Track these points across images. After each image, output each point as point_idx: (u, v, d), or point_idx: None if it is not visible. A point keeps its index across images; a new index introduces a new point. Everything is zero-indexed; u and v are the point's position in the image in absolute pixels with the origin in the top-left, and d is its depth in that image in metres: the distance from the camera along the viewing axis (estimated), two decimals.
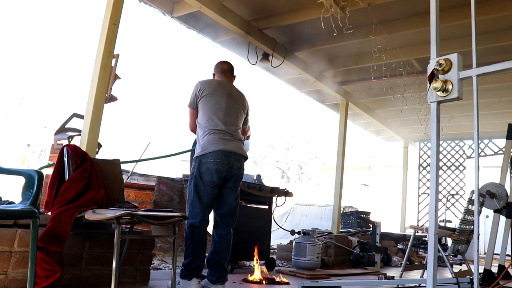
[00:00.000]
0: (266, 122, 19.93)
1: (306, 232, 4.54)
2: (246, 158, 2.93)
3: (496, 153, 7.55)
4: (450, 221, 7.04)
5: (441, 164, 8.25)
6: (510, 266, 3.48)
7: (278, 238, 7.22)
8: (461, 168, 8.11)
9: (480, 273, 3.74)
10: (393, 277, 3.84)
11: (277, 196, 4.55)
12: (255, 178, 4.46)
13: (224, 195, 2.85)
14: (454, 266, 5.36)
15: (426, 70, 1.39)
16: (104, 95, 2.91)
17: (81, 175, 2.42)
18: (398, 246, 6.44)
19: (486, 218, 9.59)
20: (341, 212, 6.25)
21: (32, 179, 2.00)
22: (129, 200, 4.43)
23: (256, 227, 4.24)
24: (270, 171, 20.82)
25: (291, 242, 5.21)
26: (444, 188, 8.15)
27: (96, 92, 2.86)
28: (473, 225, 3.96)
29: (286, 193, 4.60)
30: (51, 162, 3.68)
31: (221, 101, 2.87)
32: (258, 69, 5.69)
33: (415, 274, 4.87)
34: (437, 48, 1.34)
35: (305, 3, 4.05)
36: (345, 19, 3.78)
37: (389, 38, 4.35)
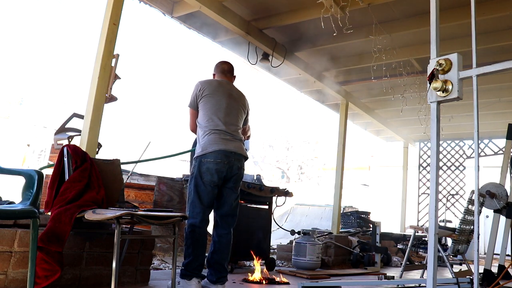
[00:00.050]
0: (266, 122, 19.93)
1: (306, 232, 4.54)
2: (246, 158, 2.93)
3: (496, 153, 7.55)
4: (450, 221, 7.04)
5: (441, 164, 8.25)
6: (510, 266, 3.48)
7: (278, 238, 7.22)
8: (461, 168, 8.11)
9: (480, 273, 3.74)
10: (393, 277, 3.84)
11: (277, 196, 4.56)
12: (255, 178, 4.46)
13: (224, 195, 2.85)
14: (454, 266, 5.36)
15: (426, 70, 1.39)
16: (104, 95, 2.91)
17: (81, 175, 2.42)
18: (398, 246, 6.44)
19: (486, 218, 9.59)
20: (341, 212, 6.25)
21: (32, 179, 2.00)
22: (129, 200, 4.43)
23: (256, 227, 4.24)
24: (270, 171, 20.82)
25: (291, 242, 5.21)
26: (444, 188, 8.15)
27: (96, 92, 2.86)
28: (473, 225, 3.96)
29: (286, 193, 4.60)
30: (51, 162, 3.68)
31: (222, 101, 2.87)
32: (258, 69, 5.68)
33: (415, 274, 4.87)
34: (437, 48, 1.34)
35: (305, 3, 4.05)
36: (345, 19, 3.78)
37: (389, 38, 4.35)
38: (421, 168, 8.59)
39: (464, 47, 4.30)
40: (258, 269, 3.44)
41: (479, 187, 3.85)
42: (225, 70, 3.09)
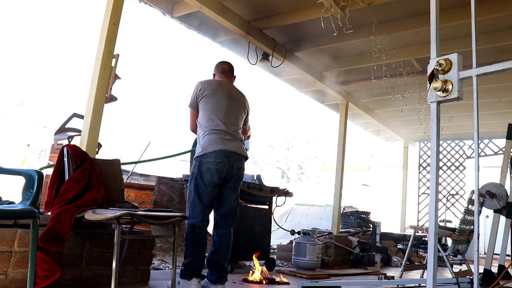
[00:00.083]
0: (266, 122, 19.93)
1: (306, 232, 4.54)
2: (246, 158, 2.93)
3: (496, 153, 7.55)
4: (450, 221, 7.04)
5: (441, 164, 8.25)
6: (510, 266, 3.48)
7: (278, 238, 7.22)
8: (461, 168, 8.11)
9: (480, 273, 3.74)
10: (393, 277, 3.84)
11: (277, 196, 4.56)
12: (255, 178, 4.46)
13: (224, 195, 2.85)
14: (454, 266, 5.36)
15: (426, 70, 1.39)
16: (104, 95, 2.91)
17: (81, 175, 2.43)
18: (398, 246, 6.44)
19: (486, 218, 9.59)
20: (341, 212, 6.25)
21: (32, 179, 2.00)
22: (129, 200, 4.43)
23: (256, 227, 4.24)
24: (270, 171, 20.83)
25: (291, 242, 5.21)
26: (444, 188, 8.15)
27: (96, 92, 2.86)
28: (473, 225, 3.96)
29: (286, 193, 4.60)
30: (51, 162, 3.68)
31: (222, 101, 2.87)
32: (258, 69, 5.68)
33: (415, 274, 4.87)
34: (437, 48, 1.34)
35: (305, 3, 4.05)
36: (345, 19, 3.78)
37: (389, 38, 4.35)
38: (421, 168, 8.60)
39: (464, 47, 4.29)
40: (258, 269, 3.44)
41: (479, 187, 3.85)
42: (225, 70, 3.09)
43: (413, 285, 3.25)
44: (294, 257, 4.48)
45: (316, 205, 9.71)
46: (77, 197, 2.31)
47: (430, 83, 1.29)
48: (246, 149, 3.03)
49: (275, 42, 4.76)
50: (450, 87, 1.26)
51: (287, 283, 3.36)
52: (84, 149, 2.72)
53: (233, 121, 2.89)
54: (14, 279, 2.22)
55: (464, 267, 5.61)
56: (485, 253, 4.40)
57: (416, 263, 5.54)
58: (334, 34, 3.98)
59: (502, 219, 3.88)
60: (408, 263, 4.53)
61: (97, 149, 2.89)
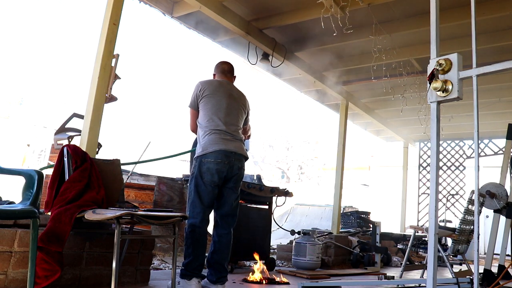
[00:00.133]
0: (266, 122, 19.94)
1: (306, 232, 4.54)
2: (246, 158, 2.93)
3: (496, 153, 7.55)
4: (450, 221, 7.04)
5: (441, 164, 8.25)
6: (510, 266, 3.48)
7: (278, 238, 7.22)
8: (461, 168, 8.11)
9: (480, 273, 3.74)
10: (393, 277, 3.84)
11: (277, 196, 4.56)
12: (255, 178, 4.46)
13: (224, 195, 2.85)
14: (454, 266, 5.36)
15: (426, 70, 1.39)
16: (104, 95, 2.91)
17: (81, 175, 2.42)
18: (398, 246, 6.44)
19: (486, 218, 9.59)
20: (341, 212, 6.25)
21: (32, 179, 2.00)
22: (129, 200, 4.43)
23: (256, 227, 4.24)
24: (270, 171, 20.83)
25: (291, 242, 5.21)
26: (444, 188, 8.15)
27: (96, 92, 2.86)
28: (473, 225, 3.96)
29: (286, 193, 4.60)
30: (51, 162, 3.68)
31: (222, 101, 2.87)
32: (258, 69, 5.69)
33: (415, 274, 4.87)
34: (437, 48, 1.34)
35: (305, 3, 4.05)
36: (345, 19, 3.78)
37: (389, 38, 4.35)
38: (421, 168, 8.59)
39: (464, 47, 4.30)
40: (258, 269, 3.44)
41: (479, 187, 3.85)
42: (225, 70, 3.09)
43: (413, 285, 3.25)
44: (294, 257, 4.48)
45: (316, 205, 9.71)
46: (77, 197, 2.31)
47: (430, 83, 1.29)
48: (246, 149, 3.03)
49: (275, 42, 4.76)
50: (450, 87, 1.26)
51: (287, 283, 3.36)
52: (84, 149, 2.72)
53: (234, 121, 2.89)
54: (14, 279, 2.22)
55: (464, 267, 5.61)
56: (485, 253, 4.40)
57: (416, 263, 5.54)
58: (334, 34, 3.98)
59: (502, 219, 3.88)
60: (408, 263, 4.53)
61: (97, 149, 2.89)
